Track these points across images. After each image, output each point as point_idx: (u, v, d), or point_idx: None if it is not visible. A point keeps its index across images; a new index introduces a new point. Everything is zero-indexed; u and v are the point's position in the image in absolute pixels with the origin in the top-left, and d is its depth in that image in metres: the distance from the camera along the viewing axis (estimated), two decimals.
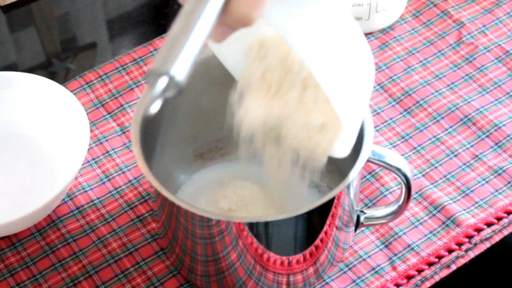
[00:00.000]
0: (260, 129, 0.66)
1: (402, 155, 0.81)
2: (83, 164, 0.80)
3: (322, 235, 0.67)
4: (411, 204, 0.77)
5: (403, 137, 0.82)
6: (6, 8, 0.93)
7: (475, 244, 0.75)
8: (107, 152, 0.81)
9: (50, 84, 0.79)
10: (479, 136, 0.82)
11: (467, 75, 0.86)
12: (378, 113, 0.84)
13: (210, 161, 0.79)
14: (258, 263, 0.67)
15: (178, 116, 0.74)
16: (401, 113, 0.84)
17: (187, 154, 0.78)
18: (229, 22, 0.55)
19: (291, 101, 0.65)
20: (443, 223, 0.76)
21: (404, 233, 0.76)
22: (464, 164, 0.80)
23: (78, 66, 0.88)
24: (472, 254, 0.75)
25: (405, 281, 0.73)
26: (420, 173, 0.80)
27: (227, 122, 0.77)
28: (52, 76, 0.87)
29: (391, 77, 0.86)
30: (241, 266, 0.67)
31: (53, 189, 0.75)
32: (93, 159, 0.81)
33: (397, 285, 0.73)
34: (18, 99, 0.80)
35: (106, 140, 0.82)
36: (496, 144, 0.81)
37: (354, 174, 0.65)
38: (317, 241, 0.67)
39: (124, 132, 0.83)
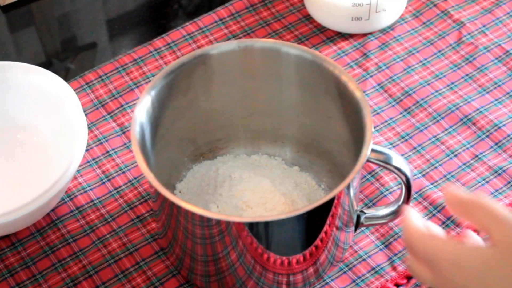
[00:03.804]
0: None
1: (402, 155, 0.81)
2: (83, 164, 0.80)
3: (322, 235, 0.67)
4: (411, 204, 0.77)
5: (403, 137, 0.82)
6: (6, 8, 0.93)
7: None
8: (107, 152, 0.81)
9: (49, 77, 0.79)
10: (479, 136, 0.82)
11: (467, 75, 0.86)
12: (378, 113, 0.84)
13: (210, 161, 0.79)
14: (258, 263, 0.67)
15: (178, 116, 0.74)
16: (401, 113, 0.84)
17: (187, 154, 0.78)
18: None
19: None
20: (443, 223, 0.76)
21: None
22: (464, 164, 0.80)
23: (78, 66, 0.88)
24: None
25: (405, 281, 0.73)
26: (420, 173, 0.80)
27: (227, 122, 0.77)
28: None
29: (391, 77, 0.86)
30: (241, 266, 0.68)
31: (52, 187, 0.75)
32: (93, 159, 0.81)
33: (397, 285, 0.73)
34: (16, 93, 0.80)
35: (106, 140, 0.82)
36: (496, 144, 0.81)
37: (354, 174, 0.65)
38: (317, 241, 0.67)
39: (124, 132, 0.83)
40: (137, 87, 0.86)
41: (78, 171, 0.80)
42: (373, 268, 0.74)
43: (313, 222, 0.66)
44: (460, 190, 0.61)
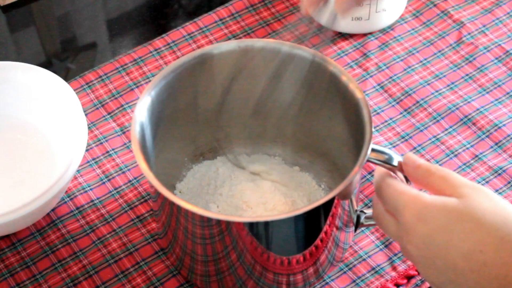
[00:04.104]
0: None
1: (402, 155, 0.81)
2: (83, 164, 0.80)
3: (322, 235, 0.67)
4: None
5: (403, 137, 0.82)
6: (6, 8, 0.93)
7: None
8: (107, 152, 0.81)
9: (49, 77, 0.79)
10: (479, 136, 0.82)
11: (467, 75, 0.86)
12: (378, 113, 0.84)
13: (210, 161, 0.79)
14: (258, 263, 0.67)
15: (178, 116, 0.74)
16: (401, 113, 0.84)
17: (187, 154, 0.78)
18: None
19: None
20: None
21: None
22: (464, 164, 0.80)
23: (78, 66, 0.88)
24: None
25: (405, 281, 0.73)
26: None
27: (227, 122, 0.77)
28: None
29: (391, 77, 0.86)
30: (241, 266, 0.68)
31: (52, 187, 0.75)
32: (93, 159, 0.81)
33: (397, 285, 0.73)
34: (16, 93, 0.80)
35: (106, 140, 0.82)
36: (496, 144, 0.81)
37: (354, 174, 0.65)
38: (317, 241, 0.67)
39: (124, 132, 0.83)
40: (137, 87, 0.86)
41: (78, 171, 0.80)
42: (373, 268, 0.74)
43: (313, 222, 0.66)
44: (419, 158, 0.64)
